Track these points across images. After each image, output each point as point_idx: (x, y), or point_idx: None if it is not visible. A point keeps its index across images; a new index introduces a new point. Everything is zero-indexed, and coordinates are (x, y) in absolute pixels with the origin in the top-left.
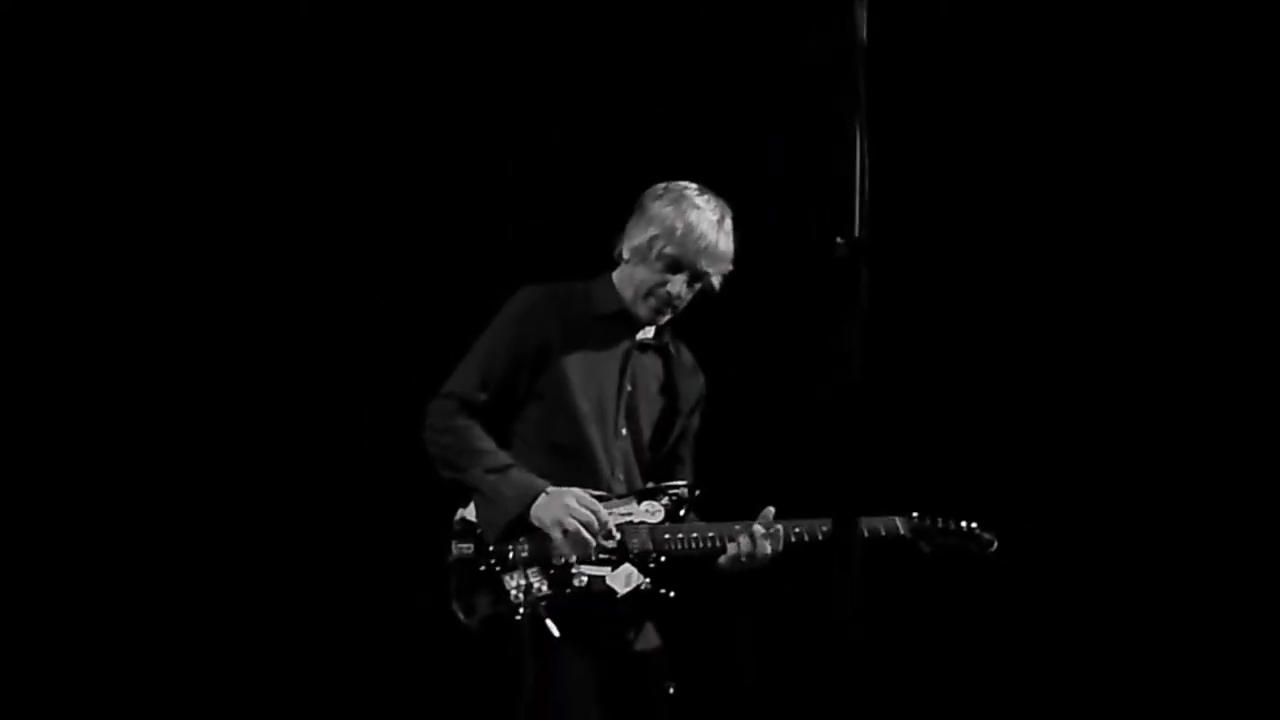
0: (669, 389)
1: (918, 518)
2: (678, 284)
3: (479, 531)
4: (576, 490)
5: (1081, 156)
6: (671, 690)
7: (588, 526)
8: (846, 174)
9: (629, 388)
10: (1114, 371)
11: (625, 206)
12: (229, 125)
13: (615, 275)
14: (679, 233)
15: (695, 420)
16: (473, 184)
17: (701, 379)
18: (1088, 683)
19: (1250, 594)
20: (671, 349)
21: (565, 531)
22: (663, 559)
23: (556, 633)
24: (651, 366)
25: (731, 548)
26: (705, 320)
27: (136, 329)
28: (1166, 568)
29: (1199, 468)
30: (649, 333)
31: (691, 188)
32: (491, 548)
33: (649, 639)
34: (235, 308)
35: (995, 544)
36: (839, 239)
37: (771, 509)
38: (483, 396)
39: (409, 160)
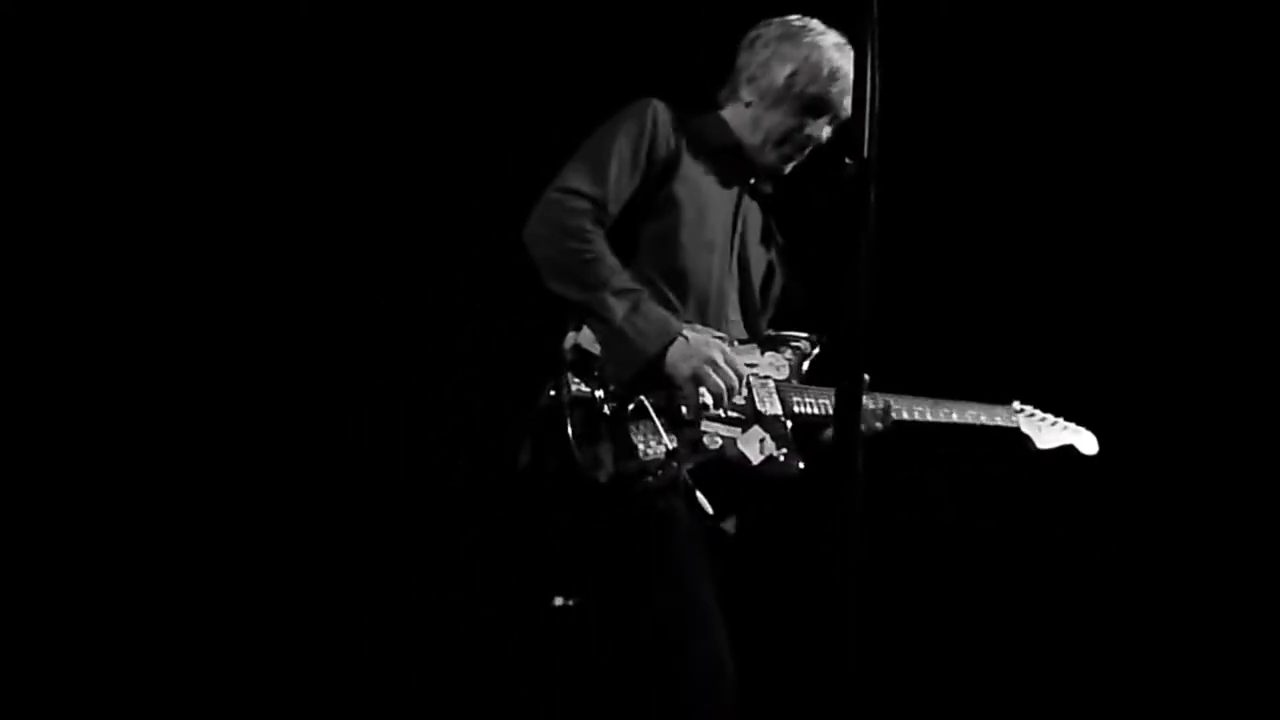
0: (769, 239)
1: (1024, 408)
2: (817, 126)
3: (599, 365)
4: (719, 341)
5: (1091, 81)
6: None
7: (730, 390)
8: (857, 94)
9: (740, 228)
10: (1121, 289)
11: None
12: (229, 125)
13: (728, 115)
14: (825, 71)
15: (779, 286)
16: (472, 184)
17: (785, 243)
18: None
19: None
20: (769, 205)
21: (704, 389)
22: (790, 425)
23: (710, 510)
24: (755, 214)
25: None
26: None
27: (136, 329)
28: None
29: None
30: (754, 180)
31: (815, 21)
32: (612, 388)
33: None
34: (235, 307)
35: (1096, 444)
36: (848, 159)
37: (866, 376)
38: (612, 204)
39: (409, 160)
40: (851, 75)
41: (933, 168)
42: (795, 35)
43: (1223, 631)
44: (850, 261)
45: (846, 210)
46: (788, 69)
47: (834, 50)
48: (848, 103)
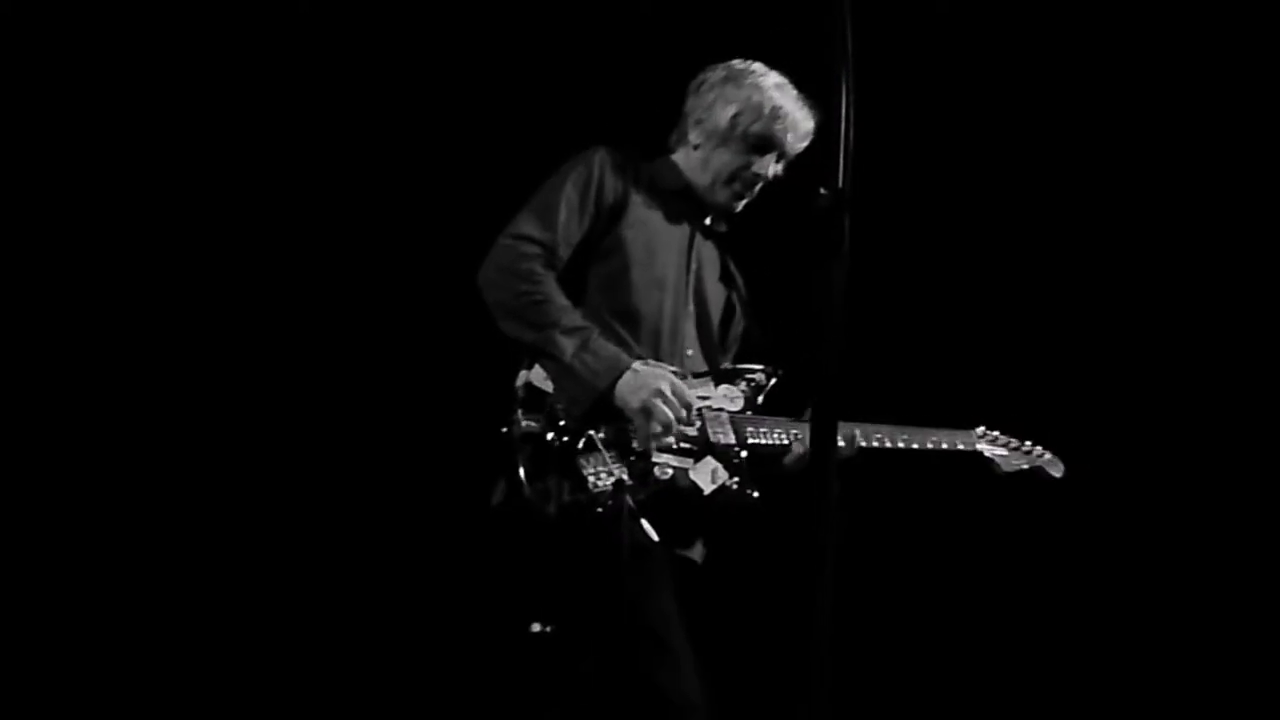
0: (727, 278)
1: (989, 433)
2: (764, 164)
3: (549, 402)
4: (667, 373)
5: (1063, 107)
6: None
7: (679, 419)
8: (831, 124)
9: (695, 266)
10: (1093, 315)
11: None
12: (229, 125)
13: (678, 158)
14: (766, 109)
15: (741, 326)
16: (469, 182)
17: (744, 286)
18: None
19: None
20: (726, 245)
21: (652, 420)
22: (744, 455)
23: (655, 537)
24: (711, 253)
25: (798, 446)
26: None
27: (137, 329)
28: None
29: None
30: (708, 220)
31: (758, 64)
32: (563, 423)
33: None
34: (235, 307)
35: (1062, 468)
36: (822, 189)
37: None
38: (562, 247)
39: (408, 160)
40: (794, 113)
41: (909, 197)
42: (738, 77)
43: (1204, 634)
44: (824, 291)
45: (820, 240)
46: (732, 110)
47: (775, 90)
48: (791, 139)
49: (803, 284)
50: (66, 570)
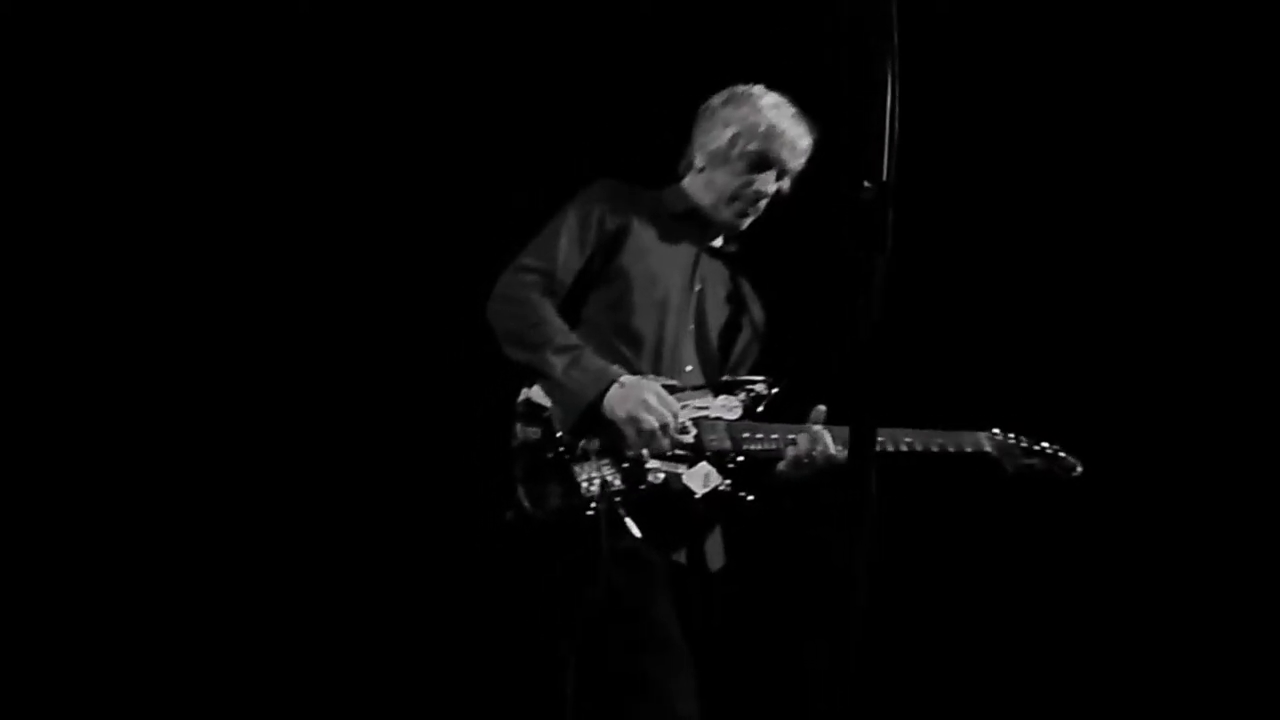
0: (735, 298)
1: (1000, 435)
2: (764, 181)
3: (546, 415)
4: (654, 384)
5: (1111, 102)
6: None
7: (664, 428)
8: (876, 117)
9: (698, 286)
10: (1136, 303)
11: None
12: (229, 125)
13: (686, 183)
14: (762, 128)
15: (756, 349)
16: (470, 180)
17: (762, 310)
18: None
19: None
20: (738, 266)
21: (639, 429)
22: (740, 459)
23: (638, 533)
24: (719, 273)
25: (791, 450)
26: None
27: (137, 329)
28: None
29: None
30: (719, 241)
31: (757, 87)
32: (559, 434)
33: (717, 557)
34: (235, 307)
35: (1080, 468)
36: (866, 182)
37: (823, 407)
38: (561, 274)
39: (409, 161)
40: (790, 131)
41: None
42: (737, 100)
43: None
44: (864, 285)
45: (863, 233)
46: (731, 130)
47: (771, 110)
48: (788, 155)
49: (835, 282)
50: (58, 572)
